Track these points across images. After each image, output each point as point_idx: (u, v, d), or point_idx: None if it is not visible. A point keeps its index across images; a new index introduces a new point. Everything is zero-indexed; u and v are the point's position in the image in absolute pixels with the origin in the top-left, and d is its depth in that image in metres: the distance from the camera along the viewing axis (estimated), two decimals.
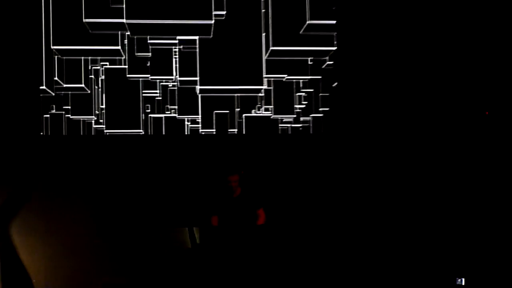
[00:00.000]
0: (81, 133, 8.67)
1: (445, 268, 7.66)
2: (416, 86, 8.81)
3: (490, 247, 7.68)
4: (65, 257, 7.79)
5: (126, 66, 8.82)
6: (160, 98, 8.88)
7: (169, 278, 7.53)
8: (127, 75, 8.81)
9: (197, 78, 8.93)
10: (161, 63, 8.93)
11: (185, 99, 8.92)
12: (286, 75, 9.09)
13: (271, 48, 9.08)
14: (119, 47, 8.83)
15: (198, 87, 8.91)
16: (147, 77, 8.85)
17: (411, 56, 8.87)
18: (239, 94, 8.99)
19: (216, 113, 8.97)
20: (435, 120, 8.58)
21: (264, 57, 9.10)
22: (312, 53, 9.13)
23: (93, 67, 8.79)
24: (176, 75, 8.84)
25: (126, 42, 8.80)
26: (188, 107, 8.93)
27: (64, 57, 8.73)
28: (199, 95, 8.93)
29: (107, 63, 8.82)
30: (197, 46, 9.01)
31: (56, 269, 7.76)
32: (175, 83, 8.93)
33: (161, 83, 8.90)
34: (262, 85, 9.07)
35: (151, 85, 8.85)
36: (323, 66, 9.12)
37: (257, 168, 8.41)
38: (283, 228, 8.24)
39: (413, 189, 8.40)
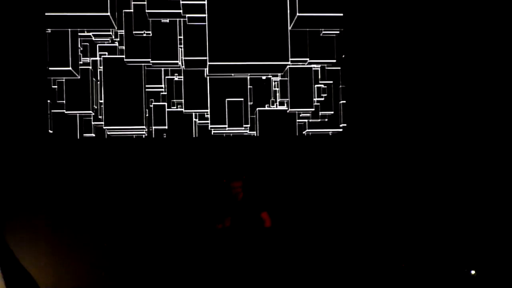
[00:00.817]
0: (78, 129, 7.82)
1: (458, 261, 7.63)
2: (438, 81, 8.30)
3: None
4: (71, 259, 7.59)
5: (124, 56, 7.96)
6: (165, 93, 8.00)
7: (177, 280, 7.46)
8: (125, 59, 7.93)
9: (206, 58, 7.95)
10: (163, 43, 7.97)
11: (192, 89, 8.06)
12: (308, 59, 8.23)
13: (298, 14, 8.01)
14: (108, 14, 7.82)
15: (206, 69, 7.97)
16: (148, 62, 7.98)
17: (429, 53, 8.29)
18: (256, 75, 8.05)
19: (228, 101, 8.10)
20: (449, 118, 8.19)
21: (289, 27, 8.12)
22: (344, 22, 8.13)
23: (91, 59, 7.92)
24: (181, 60, 8.01)
25: (122, 33, 7.98)
26: (195, 99, 8.06)
27: (47, 30, 7.78)
28: (208, 78, 8.02)
29: (106, 53, 7.95)
30: (206, 10, 8.01)
31: (62, 270, 7.55)
32: (181, 77, 8.06)
33: (167, 77, 8.03)
34: (287, 60, 8.14)
35: (155, 78, 7.99)
36: (344, 56, 8.28)
37: (268, 172, 7.88)
38: (301, 232, 7.88)
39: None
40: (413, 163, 8.09)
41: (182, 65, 8.02)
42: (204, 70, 8.07)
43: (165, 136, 7.93)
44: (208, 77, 8.08)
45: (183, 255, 7.58)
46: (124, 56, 7.95)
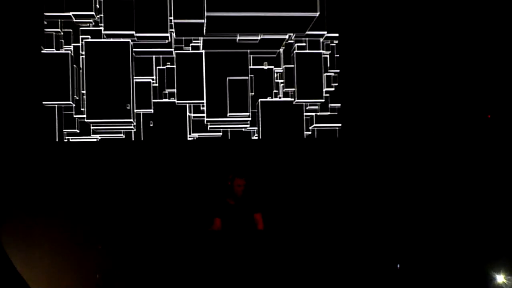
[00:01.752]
0: (56, 122, 6.94)
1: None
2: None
3: None
4: (62, 263, 7.00)
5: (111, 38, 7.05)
6: (156, 84, 7.09)
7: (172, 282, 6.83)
8: (103, 31, 6.93)
9: (203, 20, 6.79)
10: (150, 9, 6.90)
11: (185, 77, 7.13)
12: (325, 32, 7.24)
13: None
14: None
15: (202, 38, 6.96)
16: (132, 35, 6.99)
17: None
18: (267, 38, 7.04)
19: (230, 80, 7.14)
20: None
21: None
22: None
23: (73, 45, 7.01)
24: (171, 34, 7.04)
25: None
26: (189, 88, 7.14)
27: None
28: (203, 55, 7.03)
29: (89, 37, 7.02)
30: None
31: (54, 275, 6.96)
32: (173, 66, 7.14)
33: (158, 67, 7.10)
34: (316, 11, 6.74)
35: (144, 68, 7.07)
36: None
37: (271, 174, 7.17)
38: (298, 234, 7.09)
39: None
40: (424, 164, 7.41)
41: (173, 35, 7.10)
42: (199, 51, 7.15)
43: (152, 125, 7.05)
44: (204, 53, 7.12)
45: (178, 258, 6.76)
46: (110, 39, 7.03)
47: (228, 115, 7.15)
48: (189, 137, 7.11)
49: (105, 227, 7.01)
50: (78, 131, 6.97)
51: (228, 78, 7.19)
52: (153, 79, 7.09)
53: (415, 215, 7.31)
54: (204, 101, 7.15)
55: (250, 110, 7.18)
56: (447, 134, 7.45)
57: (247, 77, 7.19)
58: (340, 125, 7.28)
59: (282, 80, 7.28)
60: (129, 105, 6.93)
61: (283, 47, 7.25)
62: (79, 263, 6.93)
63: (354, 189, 7.30)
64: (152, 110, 7.09)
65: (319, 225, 7.22)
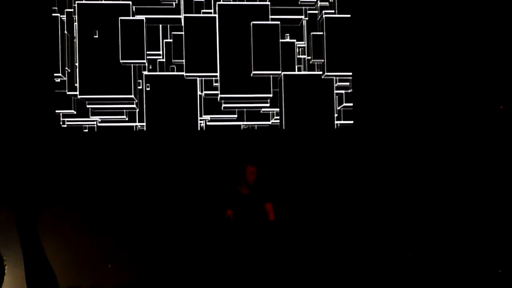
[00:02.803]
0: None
1: None
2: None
3: None
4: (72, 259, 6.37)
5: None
6: (163, 59, 6.07)
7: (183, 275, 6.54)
8: None
9: None
10: None
11: (195, 45, 6.11)
12: None
13: None
14: None
15: None
16: None
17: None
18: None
19: (254, 25, 6.13)
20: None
21: None
22: None
23: (66, 10, 5.97)
24: None
25: None
26: (200, 58, 6.12)
27: None
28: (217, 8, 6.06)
29: None
30: None
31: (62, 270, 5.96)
32: (181, 32, 6.10)
33: (165, 40, 6.06)
34: None
35: (149, 39, 6.04)
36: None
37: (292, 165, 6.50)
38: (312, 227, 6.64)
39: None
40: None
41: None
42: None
43: (148, 88, 6.09)
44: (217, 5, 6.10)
45: (190, 250, 6.49)
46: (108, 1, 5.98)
47: (252, 74, 6.14)
48: (200, 119, 6.14)
49: (112, 220, 6.44)
50: (74, 112, 6.00)
51: (252, 22, 6.16)
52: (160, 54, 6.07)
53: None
54: (218, 72, 6.13)
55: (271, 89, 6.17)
56: (459, 127, 6.79)
57: (277, 22, 6.17)
58: (352, 104, 6.31)
59: (305, 56, 6.24)
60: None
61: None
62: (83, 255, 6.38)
63: (370, 183, 6.65)
64: (145, 61, 6.08)
65: (331, 219, 6.68)
